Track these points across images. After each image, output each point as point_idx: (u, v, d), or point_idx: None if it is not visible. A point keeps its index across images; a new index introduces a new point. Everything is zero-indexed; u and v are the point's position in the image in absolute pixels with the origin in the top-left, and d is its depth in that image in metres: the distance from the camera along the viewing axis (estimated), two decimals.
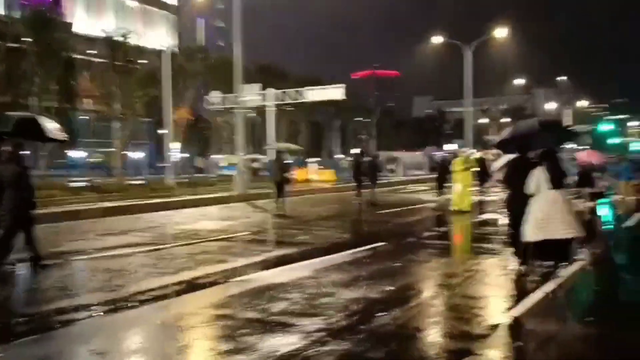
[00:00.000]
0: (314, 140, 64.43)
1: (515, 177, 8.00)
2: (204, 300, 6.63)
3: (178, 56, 43.72)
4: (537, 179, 7.47)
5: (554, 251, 7.47)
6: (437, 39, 42.70)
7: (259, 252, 9.62)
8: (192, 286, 7.19)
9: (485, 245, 10.41)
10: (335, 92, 37.26)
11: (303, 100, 38.58)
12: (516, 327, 5.46)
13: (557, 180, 7.43)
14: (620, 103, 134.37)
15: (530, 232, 7.42)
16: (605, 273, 8.20)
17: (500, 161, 9.71)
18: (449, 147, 71.43)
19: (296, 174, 37.06)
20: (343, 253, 9.26)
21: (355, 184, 19.78)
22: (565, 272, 7.64)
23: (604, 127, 75.81)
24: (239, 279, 7.55)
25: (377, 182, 20.42)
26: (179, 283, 7.33)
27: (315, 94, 38.00)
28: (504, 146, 9.26)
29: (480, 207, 17.28)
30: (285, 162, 17.47)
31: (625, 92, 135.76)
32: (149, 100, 34.59)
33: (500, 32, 41.16)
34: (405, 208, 17.62)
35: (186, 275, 7.77)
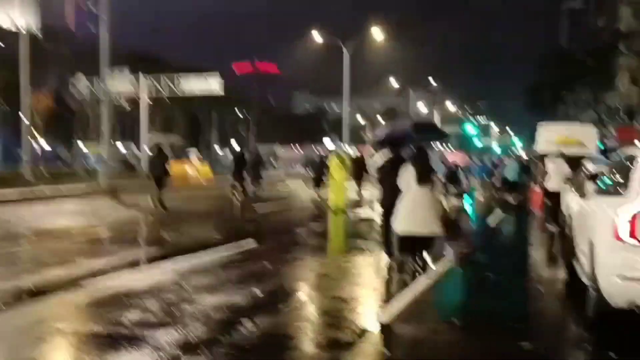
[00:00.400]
0: (191, 133, 62.49)
1: (389, 175, 8.04)
2: (44, 311, 5.78)
3: (39, 38, 40.19)
4: (408, 176, 7.54)
5: (420, 247, 7.62)
6: (317, 36, 42.96)
7: (117, 252, 8.78)
8: (32, 294, 6.29)
9: (359, 243, 10.34)
10: (212, 84, 36.33)
11: (178, 93, 37.18)
12: (385, 333, 5.27)
13: (425, 178, 7.54)
14: (483, 108, 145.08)
15: (398, 226, 7.49)
16: (471, 273, 8.38)
17: (377, 159, 9.92)
18: (327, 144, 72.71)
19: (172, 168, 35.68)
20: (212, 254, 8.71)
21: (235, 179, 18.99)
22: (433, 271, 7.70)
23: (469, 129, 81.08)
24: (89, 284, 6.74)
25: (261, 178, 19.86)
26: (17, 291, 6.39)
27: (191, 83, 36.78)
28: (380, 144, 9.48)
29: (356, 204, 17.42)
30: (165, 155, 16.41)
31: (489, 96, 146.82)
32: (5, 85, 31.46)
33: (378, 33, 42.27)
34: (282, 205, 17.35)
35: (26, 281, 6.81)
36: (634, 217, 4.81)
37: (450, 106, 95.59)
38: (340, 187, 15.79)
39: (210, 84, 36.24)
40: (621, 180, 5.70)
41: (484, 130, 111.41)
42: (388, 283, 7.39)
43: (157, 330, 5.02)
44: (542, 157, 20.21)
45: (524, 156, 36.05)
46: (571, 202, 9.02)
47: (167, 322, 5.28)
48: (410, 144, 8.29)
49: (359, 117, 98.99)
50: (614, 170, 6.45)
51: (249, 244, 9.72)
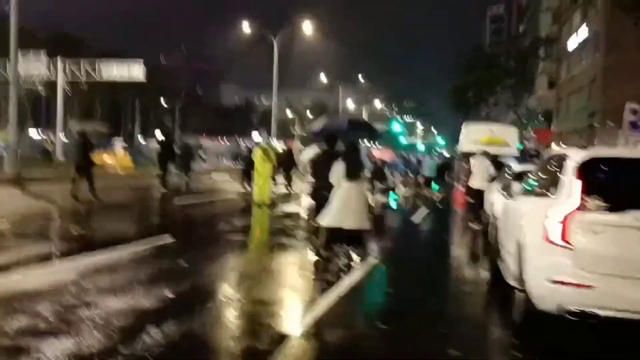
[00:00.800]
0: (112, 121, 59.89)
1: (321, 169, 8.04)
2: None
3: None
4: (338, 171, 7.58)
5: (348, 242, 7.67)
6: (246, 27, 42.05)
7: (13, 248, 7.93)
8: None
9: (283, 240, 9.92)
10: (135, 71, 34.77)
11: (98, 79, 35.37)
12: (308, 339, 4.88)
13: (354, 174, 7.55)
14: (409, 107, 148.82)
15: (326, 219, 7.54)
16: (396, 271, 8.16)
17: (308, 153, 9.90)
18: (255, 137, 71.80)
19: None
20: (121, 250, 8.02)
21: (160, 171, 17.67)
22: (358, 271, 7.42)
23: (395, 127, 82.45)
24: None
25: (191, 170, 18.96)
26: None
27: (113, 69, 35.05)
28: (315, 137, 9.70)
29: (283, 199, 16.98)
30: (89, 144, 15.21)
31: (415, 96, 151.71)
32: None
33: (309, 27, 41.83)
34: (206, 199, 16.61)
35: None
36: (565, 219, 4.66)
37: (378, 104, 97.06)
38: (264, 181, 15.27)
39: (132, 71, 34.65)
40: (548, 180, 5.59)
41: (410, 129, 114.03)
42: (313, 283, 7.03)
43: (45, 339, 4.38)
44: (466, 156, 20.57)
45: (445, 154, 36.67)
46: (496, 201, 8.99)
47: (57, 329, 4.64)
48: (345, 140, 8.45)
49: (288, 111, 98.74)
50: (541, 170, 6.35)
51: (165, 239, 9.08)
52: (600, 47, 28.31)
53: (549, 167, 5.94)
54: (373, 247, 8.96)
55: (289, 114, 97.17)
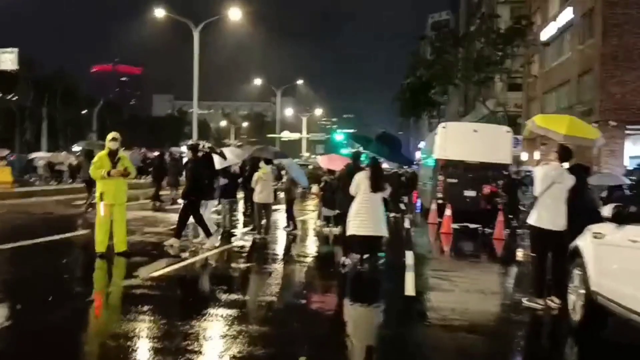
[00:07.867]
0: (5, 131, 50.90)
1: (346, 183, 8.32)
2: None
3: None
4: (358, 182, 7.95)
5: (366, 246, 7.98)
6: (159, 13, 34.72)
7: None
8: None
9: None
10: (5, 60, 27.08)
11: None
12: None
13: (379, 186, 7.98)
14: (348, 118, 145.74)
15: (351, 228, 7.94)
16: None
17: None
18: (184, 148, 63.96)
19: None
20: None
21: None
22: None
23: (338, 137, 76.98)
24: None
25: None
26: None
27: None
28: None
29: (150, 245, 9.95)
30: None
31: (355, 106, 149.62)
32: None
33: (236, 15, 34.96)
34: (32, 241, 9.29)
35: None
36: None
37: (317, 113, 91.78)
38: (113, 211, 7.96)
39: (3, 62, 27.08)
40: None
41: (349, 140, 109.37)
42: None
43: None
44: (446, 167, 14.73)
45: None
46: None
47: None
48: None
49: (223, 122, 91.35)
50: None
51: None
52: (597, 30, 22.75)
53: None
54: None
55: (224, 123, 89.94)
